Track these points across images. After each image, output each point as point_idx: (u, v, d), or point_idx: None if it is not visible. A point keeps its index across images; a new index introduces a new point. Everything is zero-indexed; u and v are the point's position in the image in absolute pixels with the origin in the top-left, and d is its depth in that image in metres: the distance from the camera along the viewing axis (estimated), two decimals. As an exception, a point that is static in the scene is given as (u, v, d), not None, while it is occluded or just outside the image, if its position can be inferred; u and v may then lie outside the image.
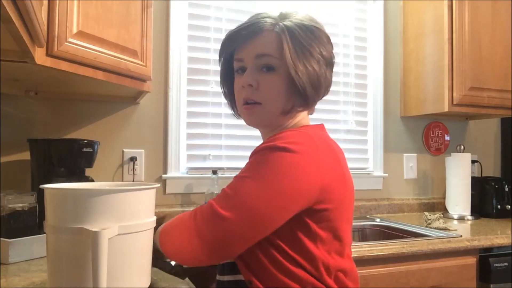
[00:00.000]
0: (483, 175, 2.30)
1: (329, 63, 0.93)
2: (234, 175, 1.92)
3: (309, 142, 0.82)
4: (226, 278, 0.87)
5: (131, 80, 1.36)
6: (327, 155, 0.83)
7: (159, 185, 0.86)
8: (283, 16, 0.91)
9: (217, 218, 0.76)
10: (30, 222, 1.18)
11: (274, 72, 0.88)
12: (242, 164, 2.07)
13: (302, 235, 0.81)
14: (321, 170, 0.81)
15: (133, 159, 1.73)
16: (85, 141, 1.41)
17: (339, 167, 0.86)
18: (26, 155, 1.49)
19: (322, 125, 0.95)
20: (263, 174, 0.78)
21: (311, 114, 1.00)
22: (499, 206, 2.10)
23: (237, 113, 1.00)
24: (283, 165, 0.77)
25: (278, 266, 0.80)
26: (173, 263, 0.97)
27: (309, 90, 0.88)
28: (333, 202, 0.83)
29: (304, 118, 0.97)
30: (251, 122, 0.94)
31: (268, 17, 0.91)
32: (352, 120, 2.17)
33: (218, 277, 0.92)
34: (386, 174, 2.21)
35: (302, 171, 0.78)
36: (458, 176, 2.08)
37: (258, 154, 0.81)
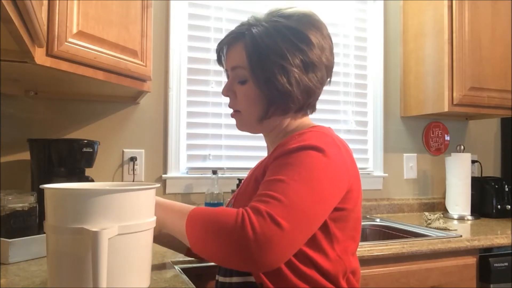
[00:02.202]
0: (483, 175, 2.30)
1: (310, 66, 0.88)
2: (234, 175, 1.93)
3: (331, 142, 0.82)
4: (235, 279, 0.85)
5: (131, 80, 1.36)
6: (347, 155, 0.84)
7: (159, 185, 0.86)
8: (264, 18, 0.90)
9: (275, 227, 0.69)
10: (30, 222, 1.18)
11: (246, 83, 0.91)
12: (242, 164, 2.07)
13: (320, 235, 0.80)
14: (346, 171, 0.82)
15: (133, 159, 1.73)
16: (85, 141, 1.41)
17: (355, 166, 0.87)
18: (26, 155, 1.49)
19: (330, 128, 0.93)
20: (305, 177, 0.75)
21: (311, 113, 0.99)
22: (499, 206, 2.10)
23: None
24: (320, 167, 0.77)
25: (292, 267, 0.80)
26: None
27: (275, 99, 0.88)
28: (351, 202, 0.84)
29: (306, 119, 0.97)
30: (238, 127, 0.98)
31: (246, 23, 0.91)
32: (352, 120, 2.17)
33: (221, 279, 0.90)
34: (386, 174, 2.21)
35: (335, 173, 0.79)
36: (458, 176, 2.08)
37: (289, 156, 0.79)
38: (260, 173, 0.86)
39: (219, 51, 0.97)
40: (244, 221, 0.69)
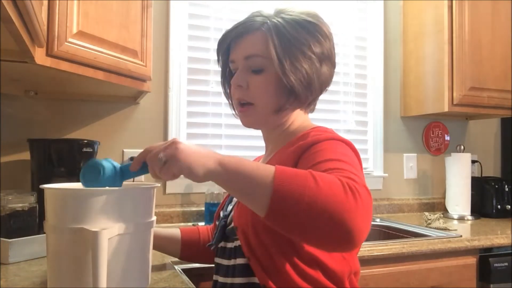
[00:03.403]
0: (483, 175, 2.30)
1: (325, 59, 0.90)
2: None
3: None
4: (237, 280, 0.84)
5: (131, 80, 1.36)
6: None
7: (159, 185, 0.86)
8: (276, 13, 0.90)
9: (370, 199, 0.64)
10: (30, 222, 1.18)
11: (263, 72, 0.88)
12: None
13: None
14: (362, 169, 0.83)
15: (133, 159, 1.72)
16: (85, 141, 1.41)
17: None
18: (26, 155, 1.49)
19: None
20: (351, 162, 0.73)
21: (311, 112, 0.99)
22: (499, 206, 2.10)
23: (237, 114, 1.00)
24: (353, 157, 0.78)
25: (296, 268, 0.79)
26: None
27: (298, 88, 0.86)
28: None
29: (306, 120, 0.97)
30: (246, 123, 0.94)
31: (260, 15, 0.90)
32: (352, 120, 2.17)
33: (221, 279, 0.89)
34: (386, 174, 2.21)
35: (360, 166, 0.79)
36: (458, 176, 2.08)
37: (323, 143, 0.77)
38: None
39: (225, 42, 0.93)
40: (355, 193, 0.61)
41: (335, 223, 0.59)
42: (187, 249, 1.08)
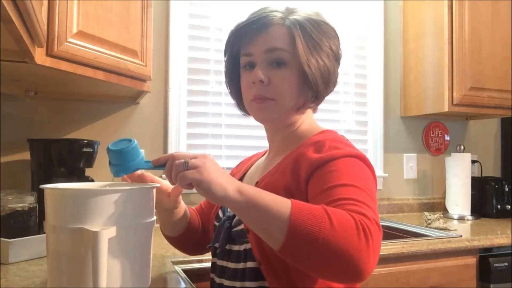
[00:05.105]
0: (483, 175, 2.30)
1: (337, 58, 0.92)
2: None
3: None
4: (248, 284, 0.82)
5: (131, 80, 1.36)
6: None
7: (159, 185, 0.86)
8: (290, 11, 0.90)
9: (380, 236, 0.66)
10: (30, 222, 1.18)
11: (285, 67, 0.86)
12: (242, 164, 2.03)
13: None
14: (376, 187, 0.82)
15: (133, 159, 1.73)
16: (85, 141, 1.41)
17: None
18: (26, 155, 1.49)
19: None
20: (366, 184, 0.73)
21: (314, 112, 0.98)
22: (499, 206, 2.10)
23: (245, 111, 0.98)
24: (369, 175, 0.78)
25: (308, 275, 0.77)
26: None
27: (320, 85, 0.87)
28: None
29: (313, 121, 0.96)
30: (261, 118, 0.90)
31: (276, 11, 0.89)
32: (352, 120, 2.17)
33: (228, 283, 0.86)
34: (386, 174, 2.21)
35: (374, 185, 0.80)
36: (458, 176, 2.08)
37: (340, 161, 0.76)
38: (282, 180, 0.82)
39: (243, 34, 0.88)
40: (367, 235, 0.63)
41: (347, 264, 0.62)
42: (190, 232, 1.02)
